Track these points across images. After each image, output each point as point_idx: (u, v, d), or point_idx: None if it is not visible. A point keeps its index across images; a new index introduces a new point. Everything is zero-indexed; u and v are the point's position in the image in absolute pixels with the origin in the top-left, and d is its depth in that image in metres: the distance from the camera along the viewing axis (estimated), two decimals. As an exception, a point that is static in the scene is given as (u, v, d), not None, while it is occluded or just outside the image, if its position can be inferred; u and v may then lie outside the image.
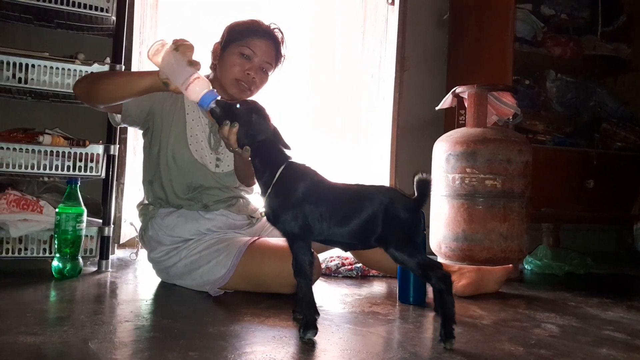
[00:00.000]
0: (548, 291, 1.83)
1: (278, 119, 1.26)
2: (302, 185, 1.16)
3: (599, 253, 2.63)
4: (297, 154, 1.24)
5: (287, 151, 1.22)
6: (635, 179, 2.78)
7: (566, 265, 2.23)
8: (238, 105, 1.20)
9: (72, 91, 1.80)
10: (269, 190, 1.18)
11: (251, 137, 1.20)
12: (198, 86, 1.20)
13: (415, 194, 1.13)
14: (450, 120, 2.60)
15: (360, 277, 1.91)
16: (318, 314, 1.17)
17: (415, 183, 1.13)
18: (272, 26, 1.66)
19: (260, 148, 1.20)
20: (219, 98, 1.21)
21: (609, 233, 3.05)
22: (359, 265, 1.91)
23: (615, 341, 1.21)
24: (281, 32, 1.67)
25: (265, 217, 1.78)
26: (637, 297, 1.80)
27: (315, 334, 1.11)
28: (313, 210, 1.13)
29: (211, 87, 1.22)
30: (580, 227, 2.95)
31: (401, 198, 1.14)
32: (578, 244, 2.71)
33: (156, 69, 1.32)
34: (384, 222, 1.11)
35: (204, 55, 1.70)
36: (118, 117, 1.59)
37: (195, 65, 1.23)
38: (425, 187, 1.12)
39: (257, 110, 1.21)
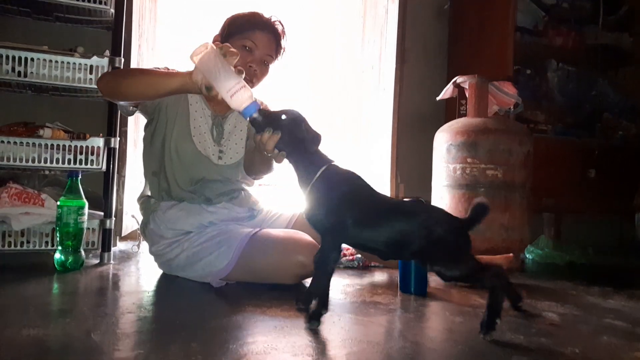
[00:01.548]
0: (549, 281, 1.83)
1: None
2: (342, 186, 1.17)
3: (600, 243, 2.64)
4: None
5: (328, 154, 1.24)
6: (636, 169, 2.78)
7: (567, 255, 2.24)
8: (283, 117, 1.20)
9: (72, 84, 1.81)
10: (308, 189, 1.19)
11: (292, 145, 1.21)
12: (244, 95, 1.17)
13: (468, 216, 1.12)
14: (450, 112, 2.59)
15: (362, 267, 1.91)
16: (326, 310, 1.16)
17: (472, 205, 1.12)
18: (273, 19, 1.66)
19: (301, 154, 1.21)
20: (260, 107, 1.20)
21: (610, 224, 3.05)
22: (359, 255, 1.92)
23: (615, 329, 1.21)
24: (281, 25, 1.67)
25: (266, 211, 1.79)
26: (638, 286, 1.80)
27: (318, 325, 1.12)
28: (350, 212, 1.14)
29: (254, 97, 1.20)
30: (581, 218, 2.95)
31: (446, 218, 1.13)
32: (579, 235, 2.71)
33: (181, 69, 1.29)
34: (426, 241, 1.10)
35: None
36: (132, 107, 1.58)
37: (241, 73, 1.21)
38: (481, 213, 1.11)
39: (302, 122, 1.22)
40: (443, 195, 2.06)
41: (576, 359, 0.99)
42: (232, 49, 1.23)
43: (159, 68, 1.57)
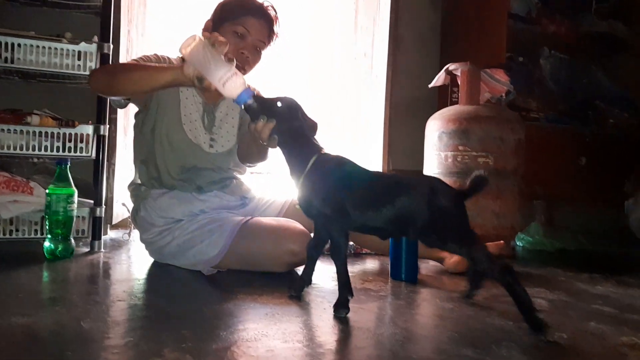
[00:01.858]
0: (539, 267, 1.85)
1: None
2: (336, 172, 1.17)
3: (590, 230, 2.66)
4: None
5: (320, 142, 1.23)
6: (627, 157, 2.80)
7: (558, 242, 2.25)
8: (279, 104, 1.20)
9: (59, 70, 1.78)
10: (301, 179, 1.18)
11: (287, 132, 1.20)
12: (237, 83, 1.16)
13: (467, 187, 1.11)
14: (443, 99, 2.59)
15: (353, 254, 1.91)
16: (352, 295, 1.17)
17: (471, 177, 1.11)
18: (266, 3, 1.63)
19: (295, 141, 1.21)
20: (254, 94, 1.19)
21: (601, 211, 3.07)
22: (351, 243, 1.92)
23: (603, 315, 1.22)
24: (274, 10, 1.64)
25: (258, 198, 1.78)
26: (626, 272, 1.82)
27: (347, 312, 1.13)
28: (348, 195, 1.14)
29: (247, 84, 1.19)
30: (572, 205, 2.96)
31: (444, 188, 1.13)
32: (570, 221, 2.73)
33: (171, 56, 1.28)
34: (428, 213, 1.09)
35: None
36: (124, 100, 1.56)
37: (232, 61, 1.21)
38: (480, 184, 1.10)
39: (297, 108, 1.21)
40: (435, 182, 2.06)
41: (564, 344, 1.00)
42: (221, 38, 1.21)
43: (148, 56, 1.55)
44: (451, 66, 2.17)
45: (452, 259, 1.62)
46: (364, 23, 2.84)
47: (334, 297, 1.28)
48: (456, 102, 2.20)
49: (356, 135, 2.88)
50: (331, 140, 2.76)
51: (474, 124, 1.96)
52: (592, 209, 3.03)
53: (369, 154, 2.80)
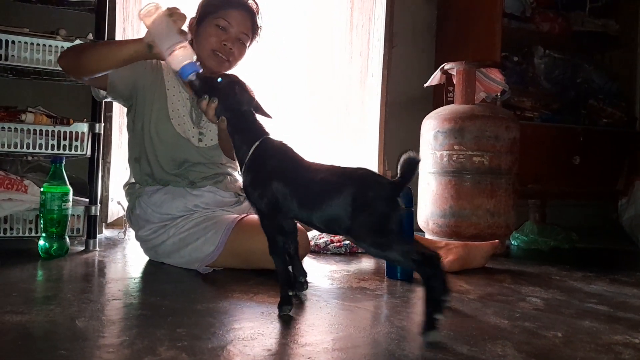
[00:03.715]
0: (533, 266, 1.86)
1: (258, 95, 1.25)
2: (273, 162, 1.13)
3: (584, 228, 2.67)
4: (277, 127, 1.23)
5: (266, 126, 1.20)
6: (620, 154, 2.82)
7: (552, 241, 2.27)
8: (220, 80, 1.19)
9: (54, 68, 1.77)
10: (244, 167, 1.16)
11: (231, 112, 1.18)
12: (182, 54, 1.19)
13: (398, 175, 1.00)
14: (439, 98, 2.59)
15: (349, 253, 1.92)
16: (293, 290, 1.16)
17: (401, 162, 1.00)
18: None
19: (238, 122, 1.18)
20: (200, 71, 1.19)
21: (594, 208, 3.09)
22: (347, 242, 1.92)
23: (597, 313, 1.23)
24: (255, 3, 1.65)
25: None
26: (620, 270, 1.83)
27: (291, 309, 1.11)
28: (281, 188, 1.09)
29: (195, 59, 1.20)
30: (566, 203, 2.98)
31: (374, 184, 1.03)
32: (564, 220, 2.74)
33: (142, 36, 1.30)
34: (352, 212, 1.01)
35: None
36: (102, 92, 1.57)
37: (184, 34, 1.23)
38: (411, 167, 0.99)
39: (237, 85, 1.19)
40: (430, 182, 2.07)
41: (558, 343, 1.01)
42: (180, 12, 1.25)
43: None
44: (447, 65, 2.17)
45: (447, 258, 1.62)
46: (359, 22, 2.83)
47: (330, 297, 1.29)
48: (451, 101, 2.20)
49: (352, 135, 2.87)
50: (328, 140, 2.76)
51: (469, 123, 1.97)
52: (585, 208, 3.06)
53: (364, 153, 2.80)
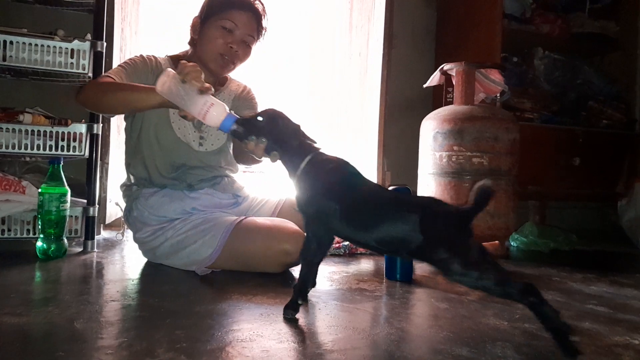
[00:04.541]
0: (533, 267, 1.85)
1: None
2: (329, 175, 1.12)
3: (584, 230, 2.67)
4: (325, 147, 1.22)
5: (314, 141, 1.20)
6: (620, 156, 2.81)
7: (551, 242, 2.26)
8: (261, 118, 1.17)
9: (52, 68, 1.77)
10: (295, 179, 1.16)
11: (280, 145, 1.17)
12: (215, 113, 1.17)
13: (471, 202, 0.97)
14: (438, 99, 2.59)
15: (348, 254, 1.91)
16: (304, 301, 1.14)
17: (474, 188, 0.97)
18: None
19: (289, 149, 1.17)
20: (237, 118, 1.18)
21: (594, 210, 3.09)
22: (346, 243, 1.92)
23: (597, 315, 1.23)
24: (261, 4, 1.64)
25: (251, 198, 1.78)
26: (620, 272, 1.83)
27: (294, 315, 1.10)
28: (335, 204, 1.07)
29: (227, 109, 1.19)
30: (566, 205, 2.98)
31: (445, 209, 1.01)
32: (564, 221, 2.74)
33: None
34: (422, 239, 0.98)
35: (185, 34, 1.67)
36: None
37: (206, 91, 1.19)
38: (485, 197, 0.96)
39: (279, 118, 1.18)
40: (429, 183, 2.07)
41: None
42: (191, 69, 1.20)
43: (134, 60, 1.56)
44: (446, 66, 2.17)
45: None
46: (358, 22, 2.83)
47: (329, 298, 1.28)
48: (451, 102, 2.20)
49: (351, 135, 2.87)
50: (329, 140, 2.76)
51: (469, 124, 1.96)
52: (585, 209, 3.06)
53: (364, 153, 2.80)
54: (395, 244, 1.01)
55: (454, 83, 2.15)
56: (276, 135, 1.16)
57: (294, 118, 1.22)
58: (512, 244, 2.34)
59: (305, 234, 1.15)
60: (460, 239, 0.97)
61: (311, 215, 1.12)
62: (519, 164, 2.06)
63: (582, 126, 2.77)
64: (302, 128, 1.21)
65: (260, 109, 1.78)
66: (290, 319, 1.09)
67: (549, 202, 2.63)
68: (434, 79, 2.26)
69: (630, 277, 1.71)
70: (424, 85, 2.31)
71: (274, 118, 1.18)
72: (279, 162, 1.19)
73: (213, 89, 1.23)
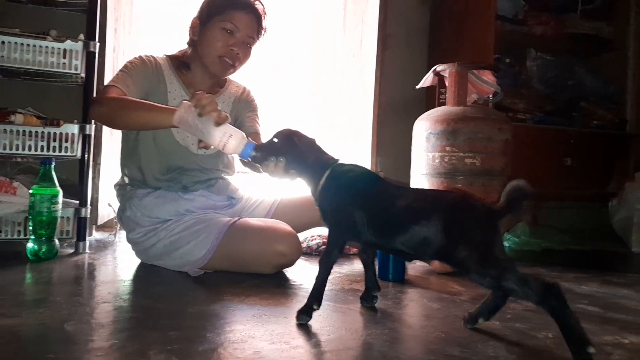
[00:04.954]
0: (525, 267, 1.86)
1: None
2: (355, 184, 1.13)
3: (576, 230, 2.68)
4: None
5: (332, 153, 1.21)
6: (612, 156, 2.83)
7: (544, 242, 2.27)
8: (276, 139, 1.19)
9: (44, 69, 1.76)
10: (317, 192, 1.16)
11: (298, 162, 1.18)
12: (234, 142, 1.22)
13: (502, 201, 0.96)
14: (431, 100, 2.59)
15: (343, 255, 1.91)
16: (318, 306, 1.12)
17: (508, 188, 0.95)
18: None
19: (308, 165, 1.18)
20: (255, 144, 1.21)
21: (586, 210, 3.10)
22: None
23: (589, 314, 1.24)
24: (262, 4, 1.63)
25: (246, 199, 1.78)
26: (611, 271, 1.84)
27: (307, 320, 1.09)
28: (359, 212, 1.08)
29: (245, 137, 1.23)
30: (558, 204, 2.99)
31: (471, 207, 0.99)
32: (556, 221, 2.75)
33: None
34: (448, 236, 0.96)
35: (183, 33, 1.67)
36: None
37: (223, 122, 1.22)
38: (520, 197, 0.94)
39: (294, 136, 1.19)
40: (422, 183, 2.07)
41: (549, 344, 1.01)
42: (205, 101, 1.21)
43: (134, 62, 1.55)
44: (439, 67, 2.17)
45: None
46: (351, 23, 2.84)
47: (323, 299, 1.28)
48: (444, 103, 2.20)
49: (345, 135, 2.88)
50: (329, 140, 2.76)
51: (462, 125, 1.97)
52: (578, 209, 3.07)
53: (357, 154, 2.80)
54: (420, 246, 1.01)
55: (446, 84, 2.16)
56: (294, 153, 1.18)
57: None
58: (505, 244, 2.35)
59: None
60: (484, 240, 0.95)
61: (337, 224, 1.13)
62: (512, 164, 2.07)
63: (575, 126, 2.79)
64: (317, 142, 1.22)
65: (260, 109, 1.80)
66: (281, 319, 1.09)
67: (542, 202, 2.64)
68: (427, 80, 2.27)
69: (621, 277, 1.72)
70: (417, 86, 2.32)
71: (289, 137, 1.20)
72: (299, 179, 1.22)
73: (230, 118, 1.26)
